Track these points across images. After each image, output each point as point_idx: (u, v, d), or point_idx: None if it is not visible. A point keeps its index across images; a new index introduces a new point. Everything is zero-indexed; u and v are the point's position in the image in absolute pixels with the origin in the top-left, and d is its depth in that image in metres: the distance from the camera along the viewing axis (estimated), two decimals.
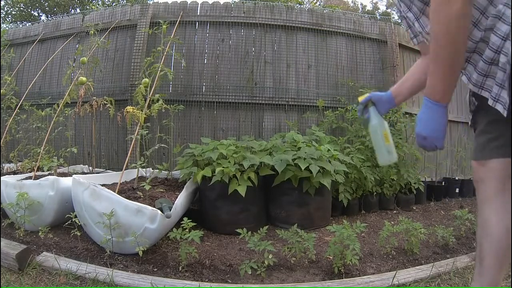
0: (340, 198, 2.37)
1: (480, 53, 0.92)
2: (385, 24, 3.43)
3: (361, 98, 1.20)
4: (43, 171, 2.35)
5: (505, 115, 0.84)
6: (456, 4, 0.79)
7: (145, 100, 2.19)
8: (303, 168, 2.01)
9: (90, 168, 2.71)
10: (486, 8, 0.90)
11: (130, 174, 2.36)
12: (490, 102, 0.89)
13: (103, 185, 1.91)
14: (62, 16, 3.98)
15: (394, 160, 1.13)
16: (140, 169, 2.23)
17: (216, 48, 3.21)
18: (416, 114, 1.27)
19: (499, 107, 0.87)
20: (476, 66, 0.94)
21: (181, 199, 1.85)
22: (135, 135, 2.15)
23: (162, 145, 2.27)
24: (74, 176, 1.81)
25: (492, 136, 0.91)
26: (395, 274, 1.46)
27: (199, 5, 3.25)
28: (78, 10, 9.44)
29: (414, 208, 2.86)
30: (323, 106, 3.01)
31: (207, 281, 1.46)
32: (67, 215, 1.72)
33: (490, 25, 0.89)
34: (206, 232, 2.05)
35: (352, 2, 17.22)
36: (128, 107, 2.08)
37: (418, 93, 1.17)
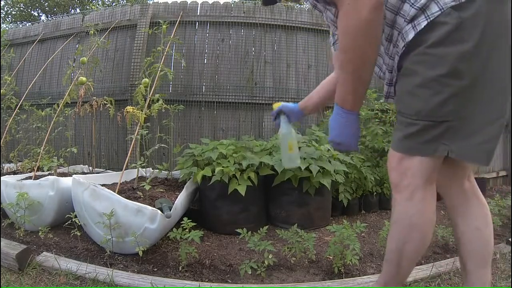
0: (340, 198, 2.37)
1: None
2: None
3: (275, 106, 1.33)
4: (43, 171, 2.35)
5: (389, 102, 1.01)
6: (363, 12, 0.75)
7: (145, 100, 2.19)
8: (303, 168, 2.01)
9: (90, 168, 2.71)
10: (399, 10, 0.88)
11: (130, 174, 2.35)
12: (383, 100, 1.04)
13: (103, 185, 1.91)
14: (62, 16, 3.98)
15: (295, 166, 1.29)
16: (140, 169, 2.23)
17: (216, 48, 3.21)
18: None
19: (390, 101, 1.02)
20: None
21: (181, 199, 1.85)
22: (135, 135, 2.15)
23: (162, 145, 2.27)
24: (74, 176, 1.81)
25: None
26: None
27: (199, 5, 3.25)
28: (78, 10, 9.45)
29: None
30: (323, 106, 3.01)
31: (207, 281, 1.46)
32: (67, 215, 1.72)
33: (392, 21, 0.90)
34: (206, 232, 2.05)
35: None
36: (128, 107, 2.08)
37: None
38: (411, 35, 0.81)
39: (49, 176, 1.97)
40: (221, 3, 3.26)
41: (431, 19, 0.78)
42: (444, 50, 0.78)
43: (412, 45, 0.82)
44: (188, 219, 1.66)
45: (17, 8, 9.54)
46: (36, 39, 3.55)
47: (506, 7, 0.78)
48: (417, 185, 0.87)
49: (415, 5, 0.81)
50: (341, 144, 0.93)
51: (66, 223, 1.75)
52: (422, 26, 0.79)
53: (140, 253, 1.55)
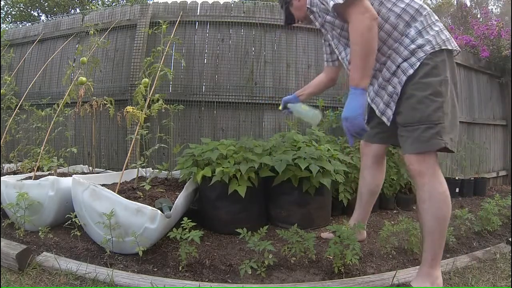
0: (340, 198, 2.36)
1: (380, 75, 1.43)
2: None
3: (280, 107, 2.05)
4: (43, 171, 2.35)
5: (388, 124, 1.41)
6: (366, 22, 1.18)
7: (145, 100, 2.18)
8: (303, 168, 2.01)
9: (90, 168, 2.71)
10: (390, 34, 1.34)
11: (130, 174, 2.35)
12: (378, 114, 1.46)
13: (103, 185, 1.91)
14: (62, 16, 3.98)
15: (319, 118, 1.78)
16: (140, 169, 2.23)
17: (216, 48, 3.21)
18: None
19: (384, 119, 1.43)
20: (374, 85, 1.47)
21: (181, 199, 1.85)
22: (135, 135, 2.14)
23: (162, 145, 2.27)
24: (74, 176, 1.81)
25: None
26: (395, 274, 1.46)
27: (199, 5, 3.25)
28: (78, 10, 9.44)
29: (414, 208, 2.86)
30: (323, 106, 3.01)
31: (207, 281, 1.46)
32: (67, 215, 1.72)
33: (388, 54, 1.36)
34: (206, 232, 2.05)
35: None
36: (128, 107, 2.08)
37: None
38: (411, 71, 1.29)
39: (49, 176, 1.96)
40: (221, 3, 3.26)
41: (421, 61, 1.27)
42: (429, 79, 1.26)
43: (409, 78, 1.29)
44: (188, 219, 1.66)
45: (17, 8, 9.53)
46: (36, 39, 3.55)
47: (453, 61, 1.33)
48: (434, 166, 1.28)
49: (408, 48, 1.31)
50: (348, 119, 1.20)
51: (66, 223, 1.75)
52: (417, 66, 1.28)
53: (140, 253, 1.55)
